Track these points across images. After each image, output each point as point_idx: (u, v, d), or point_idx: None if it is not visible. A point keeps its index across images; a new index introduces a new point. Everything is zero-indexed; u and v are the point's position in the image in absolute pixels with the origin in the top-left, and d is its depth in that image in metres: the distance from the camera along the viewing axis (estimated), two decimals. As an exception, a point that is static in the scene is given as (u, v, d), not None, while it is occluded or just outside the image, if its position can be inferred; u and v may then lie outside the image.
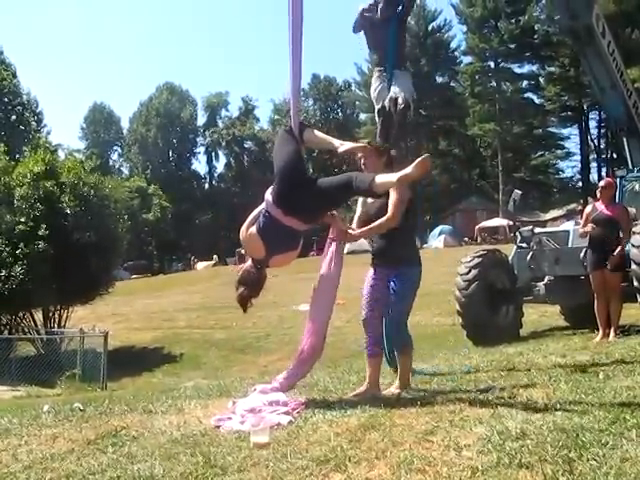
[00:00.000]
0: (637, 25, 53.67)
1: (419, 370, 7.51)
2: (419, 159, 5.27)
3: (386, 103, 7.84)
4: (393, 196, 5.94)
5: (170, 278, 52.17)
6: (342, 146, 5.84)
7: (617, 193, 13.75)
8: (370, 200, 6.34)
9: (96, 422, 5.57)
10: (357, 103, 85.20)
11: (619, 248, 10.28)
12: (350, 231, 6.14)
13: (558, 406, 4.68)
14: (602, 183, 11.16)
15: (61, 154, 39.98)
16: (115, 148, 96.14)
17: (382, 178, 5.36)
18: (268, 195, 5.66)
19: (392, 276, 6.14)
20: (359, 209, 6.53)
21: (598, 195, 10.85)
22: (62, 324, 24.72)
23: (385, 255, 6.26)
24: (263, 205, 5.75)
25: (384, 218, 5.95)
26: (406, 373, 6.33)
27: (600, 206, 10.60)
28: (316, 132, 6.13)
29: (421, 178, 5.59)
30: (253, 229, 5.70)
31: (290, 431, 4.65)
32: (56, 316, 24.92)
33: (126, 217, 29.22)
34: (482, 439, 3.94)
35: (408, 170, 5.24)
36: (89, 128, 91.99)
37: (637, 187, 14.73)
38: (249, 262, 5.81)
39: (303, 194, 5.50)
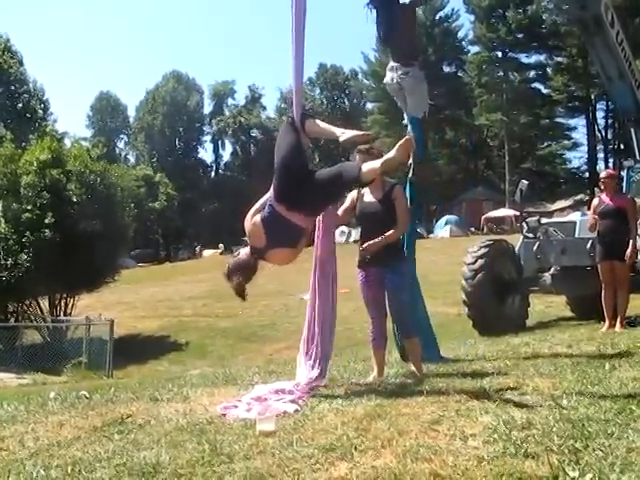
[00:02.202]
0: (646, 15, 53.49)
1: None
2: (401, 141, 5.35)
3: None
4: (399, 204, 6.41)
5: (176, 266, 52.28)
6: (343, 135, 5.83)
7: (625, 184, 13.74)
8: (367, 199, 6.54)
9: (102, 409, 5.58)
10: (364, 92, 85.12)
11: (631, 243, 10.25)
12: (365, 245, 6.36)
13: (564, 396, 4.68)
14: (603, 175, 11.15)
15: (67, 142, 39.92)
16: (121, 136, 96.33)
17: (368, 165, 5.44)
18: (272, 189, 5.68)
19: (385, 273, 6.40)
20: (348, 202, 6.65)
21: (602, 187, 10.83)
22: (68, 312, 24.83)
23: (374, 256, 6.40)
24: (269, 194, 5.75)
25: (394, 230, 6.34)
26: (418, 359, 6.60)
27: (605, 198, 10.58)
28: (318, 122, 6.10)
29: (405, 160, 5.70)
30: (258, 218, 5.68)
31: (296, 419, 4.65)
32: (62, 304, 25.04)
33: (132, 205, 29.27)
34: (488, 428, 3.94)
35: (391, 154, 5.37)
36: (95, 116, 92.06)
37: (645, 178, 14.71)
38: (246, 250, 5.75)
39: (302, 187, 5.49)
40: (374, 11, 7.97)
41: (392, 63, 8.05)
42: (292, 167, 5.61)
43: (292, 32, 5.80)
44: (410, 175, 8.01)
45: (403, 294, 6.49)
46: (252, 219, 5.72)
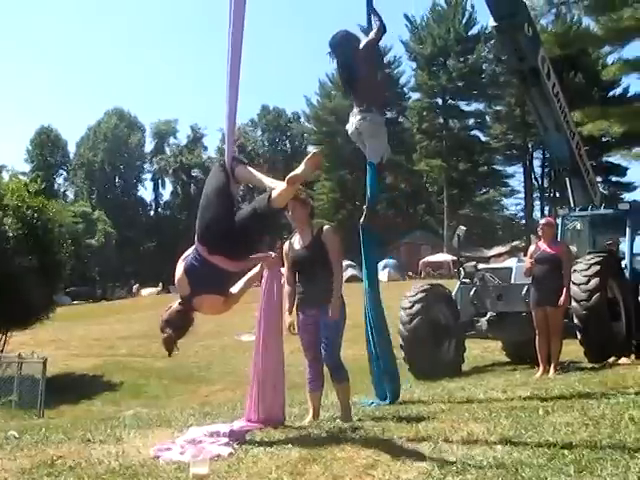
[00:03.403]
0: (581, 69, 55.13)
1: (362, 402, 7.56)
2: (309, 156, 5.43)
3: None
4: (330, 245, 6.40)
5: (112, 305, 51.58)
6: (272, 184, 5.71)
7: (560, 232, 13.99)
8: (296, 247, 6.57)
9: (32, 451, 5.43)
10: (305, 135, 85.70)
11: (565, 290, 10.42)
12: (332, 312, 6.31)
13: (498, 441, 4.72)
14: (543, 222, 11.37)
15: (5, 176, 39.31)
16: (61, 172, 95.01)
17: (277, 190, 5.41)
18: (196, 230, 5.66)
19: (320, 316, 6.37)
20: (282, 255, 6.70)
21: (540, 234, 11.03)
22: (0, 349, 24.22)
23: (311, 298, 6.46)
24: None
25: (335, 280, 6.37)
26: (347, 405, 6.49)
27: (543, 245, 10.76)
28: (249, 169, 6.04)
29: (312, 175, 5.76)
30: (182, 265, 5.67)
31: (230, 463, 4.60)
32: (-6, 341, 24.44)
33: (70, 242, 28.77)
34: (423, 473, 3.95)
35: (298, 170, 5.39)
36: (35, 151, 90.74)
37: (579, 226, 15.02)
38: (177, 302, 5.72)
39: (224, 230, 5.45)
40: (335, 60, 8.13)
41: (354, 109, 8.16)
42: (216, 210, 5.57)
43: (227, 76, 5.83)
44: (362, 221, 8.10)
45: (336, 337, 6.41)
46: (178, 267, 5.70)
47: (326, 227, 6.60)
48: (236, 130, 6.26)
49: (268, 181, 5.82)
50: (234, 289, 5.86)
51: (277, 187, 5.43)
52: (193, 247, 5.72)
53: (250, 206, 5.64)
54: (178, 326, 5.62)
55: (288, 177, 5.37)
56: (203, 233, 5.57)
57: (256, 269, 6.15)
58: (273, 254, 6.29)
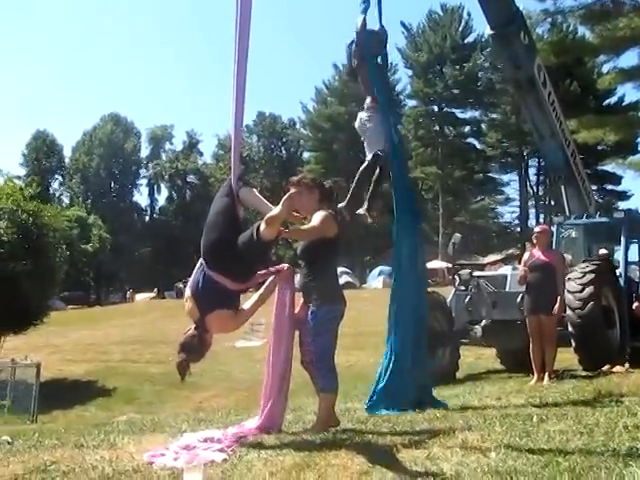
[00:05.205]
0: (576, 78, 55.28)
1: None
2: (285, 197, 5.42)
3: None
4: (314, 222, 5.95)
5: (107, 310, 51.45)
6: (271, 213, 5.62)
7: (554, 239, 14.02)
8: (301, 242, 6.35)
9: (25, 456, 5.41)
10: (301, 141, 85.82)
11: (559, 297, 10.42)
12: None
13: (493, 448, 4.71)
14: (537, 229, 11.36)
15: (0, 180, 39.16)
16: (56, 176, 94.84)
17: (262, 224, 5.40)
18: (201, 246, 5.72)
19: (309, 314, 6.03)
20: None
21: (534, 241, 11.03)
22: (-7, 354, 24.19)
23: (304, 292, 6.20)
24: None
25: (303, 227, 6.02)
26: (325, 415, 6.09)
27: (537, 252, 10.77)
28: (254, 192, 6.08)
29: (290, 215, 5.71)
30: (188, 291, 5.72)
31: (224, 469, 4.59)
32: (-13, 345, 24.39)
33: (64, 247, 28.74)
34: (417, 481, 3.95)
35: (275, 210, 5.42)
36: (30, 155, 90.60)
37: (573, 234, 15.06)
38: (192, 327, 5.75)
39: (227, 252, 5.51)
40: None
41: (367, 103, 8.37)
42: (220, 231, 5.66)
43: (232, 93, 5.93)
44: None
45: (319, 339, 5.96)
46: (185, 295, 5.75)
47: (320, 212, 6.06)
48: (242, 141, 6.27)
49: (268, 208, 5.79)
50: (246, 305, 5.86)
51: (263, 221, 5.41)
52: (196, 271, 5.78)
53: (248, 232, 5.62)
54: (193, 350, 5.70)
55: (266, 217, 5.38)
56: (206, 251, 5.67)
57: (269, 284, 6.04)
58: (286, 266, 6.18)
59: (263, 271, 6.02)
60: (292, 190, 5.68)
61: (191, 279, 5.79)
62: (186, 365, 5.67)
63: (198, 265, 5.77)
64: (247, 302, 5.90)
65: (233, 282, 5.61)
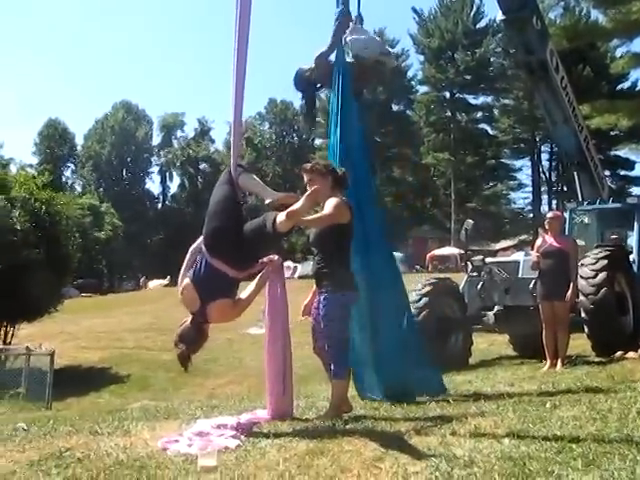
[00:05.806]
0: (589, 62, 54.94)
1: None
2: (308, 192, 5.42)
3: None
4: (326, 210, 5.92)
5: (120, 297, 51.66)
6: (273, 196, 5.80)
7: (567, 225, 13.97)
8: (313, 229, 6.33)
9: (40, 443, 5.46)
10: (312, 128, 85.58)
11: (572, 283, 10.38)
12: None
13: (506, 434, 4.71)
14: (550, 215, 11.31)
15: (13, 169, 39.30)
16: (68, 165, 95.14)
17: (280, 217, 5.38)
18: (203, 236, 5.73)
19: (322, 301, 6.06)
20: None
21: (547, 227, 10.98)
22: (8, 341, 24.30)
23: (317, 279, 6.23)
24: (192, 247, 5.84)
25: (316, 215, 5.97)
26: (337, 401, 6.10)
27: (549, 238, 10.72)
28: (254, 178, 6.12)
29: (311, 209, 5.67)
30: (186, 280, 5.71)
31: (238, 455, 4.61)
32: (2, 333, 24.50)
33: (77, 235, 28.82)
34: (430, 466, 3.95)
35: (297, 205, 5.36)
36: (43, 143, 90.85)
37: (586, 220, 14.99)
38: (189, 319, 5.76)
39: (228, 240, 5.51)
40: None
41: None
42: (221, 219, 5.66)
43: (232, 79, 5.94)
44: None
45: (332, 325, 5.96)
46: (181, 284, 5.74)
47: (331, 198, 6.03)
48: (243, 128, 6.27)
49: (269, 193, 5.86)
50: (243, 294, 5.86)
51: (281, 215, 5.38)
52: (187, 260, 5.85)
53: (259, 221, 5.64)
54: (191, 341, 5.68)
55: (287, 211, 5.33)
56: (207, 238, 5.67)
57: (264, 273, 6.03)
58: (276, 257, 6.15)
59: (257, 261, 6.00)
60: (315, 188, 5.61)
61: (190, 270, 5.75)
62: (187, 355, 5.67)
63: (189, 255, 5.82)
64: (244, 291, 5.89)
65: (233, 269, 5.60)
